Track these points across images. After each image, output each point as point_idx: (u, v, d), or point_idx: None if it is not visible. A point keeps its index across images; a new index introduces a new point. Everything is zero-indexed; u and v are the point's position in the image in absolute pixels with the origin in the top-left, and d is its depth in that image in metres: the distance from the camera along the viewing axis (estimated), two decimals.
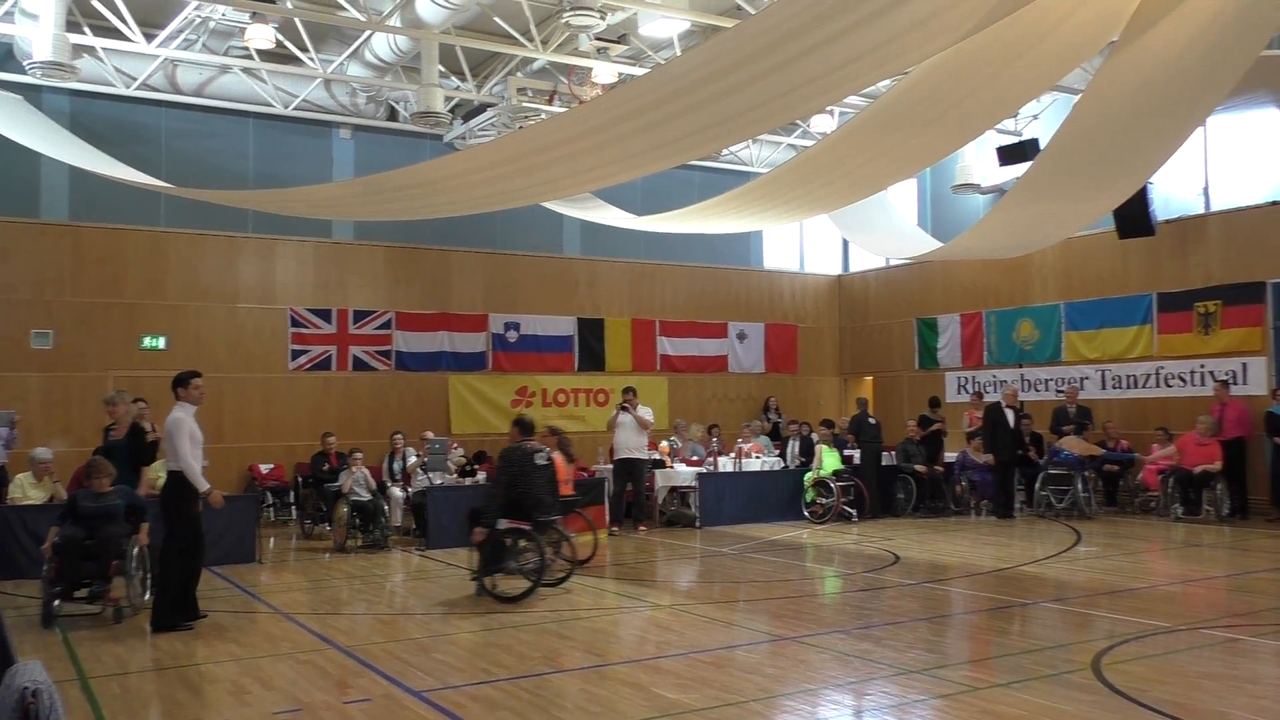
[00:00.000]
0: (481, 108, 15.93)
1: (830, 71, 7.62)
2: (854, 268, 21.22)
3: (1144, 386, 15.73)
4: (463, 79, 15.51)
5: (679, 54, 13.80)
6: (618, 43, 14.22)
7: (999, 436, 14.79)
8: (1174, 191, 15.78)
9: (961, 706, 5.60)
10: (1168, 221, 15.35)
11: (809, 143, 17.12)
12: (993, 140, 17.05)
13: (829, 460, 14.52)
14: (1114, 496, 15.11)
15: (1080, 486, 14.29)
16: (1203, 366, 14.97)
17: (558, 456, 10.59)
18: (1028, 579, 9.73)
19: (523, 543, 8.97)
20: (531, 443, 9.40)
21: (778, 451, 15.96)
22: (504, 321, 17.62)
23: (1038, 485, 14.64)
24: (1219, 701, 5.62)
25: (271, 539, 13.18)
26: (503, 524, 8.83)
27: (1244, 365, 14.55)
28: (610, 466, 14.13)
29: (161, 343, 15.04)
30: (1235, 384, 14.43)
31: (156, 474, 9.80)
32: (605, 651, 7.24)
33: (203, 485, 7.97)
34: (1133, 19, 8.25)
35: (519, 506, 8.91)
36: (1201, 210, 15.59)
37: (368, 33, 13.91)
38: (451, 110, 15.90)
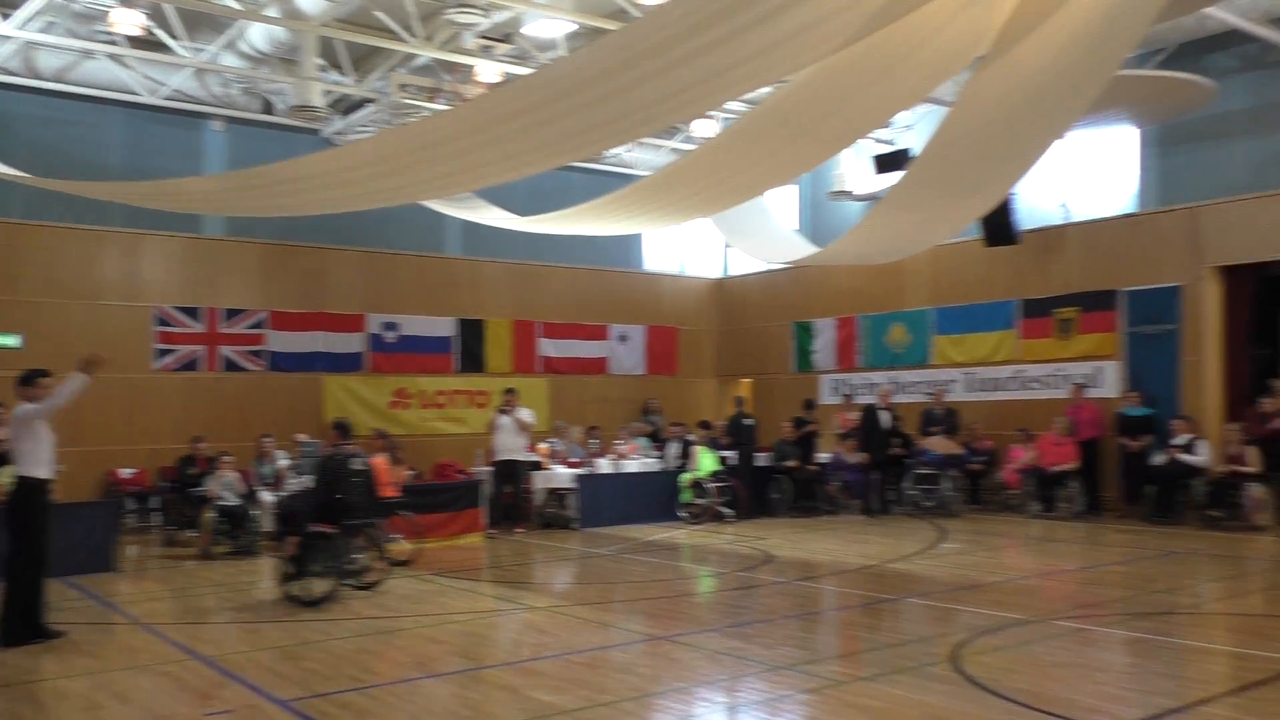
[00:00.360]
0: (362, 103, 15.62)
1: (712, 77, 7.72)
2: (733, 271, 21.54)
3: (1007, 389, 16.40)
4: (343, 73, 15.19)
5: (564, 55, 13.79)
6: (503, 41, 14.13)
7: (873, 437, 15.25)
8: (1037, 203, 16.48)
9: (827, 700, 5.76)
10: (1030, 231, 16.02)
11: (691, 147, 17.30)
12: (867, 149, 17.54)
13: (706, 461, 14.72)
14: (978, 495, 15.69)
15: (946, 486, 14.82)
16: (1061, 370, 15.69)
17: (381, 460, 10.61)
18: (894, 575, 10.04)
19: (331, 546, 8.88)
20: (349, 447, 9.43)
21: (657, 453, 16.09)
22: (382, 321, 17.33)
23: (906, 484, 15.12)
24: (1067, 689, 5.90)
25: (132, 547, 12.66)
26: (312, 528, 8.76)
27: (1099, 369, 15.30)
28: (489, 469, 14.03)
29: (14, 341, 14.31)
30: (1091, 387, 15.16)
31: (6, 479, 9.30)
32: (479, 655, 7.20)
33: (79, 378, 7.40)
34: (999, 35, 8.59)
35: (331, 510, 8.87)
36: (1061, 221, 16.32)
37: (243, 22, 13.51)
38: (331, 105, 15.56)
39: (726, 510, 14.54)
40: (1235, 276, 14.43)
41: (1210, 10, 13.11)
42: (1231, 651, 7.14)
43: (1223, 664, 6.82)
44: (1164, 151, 15.54)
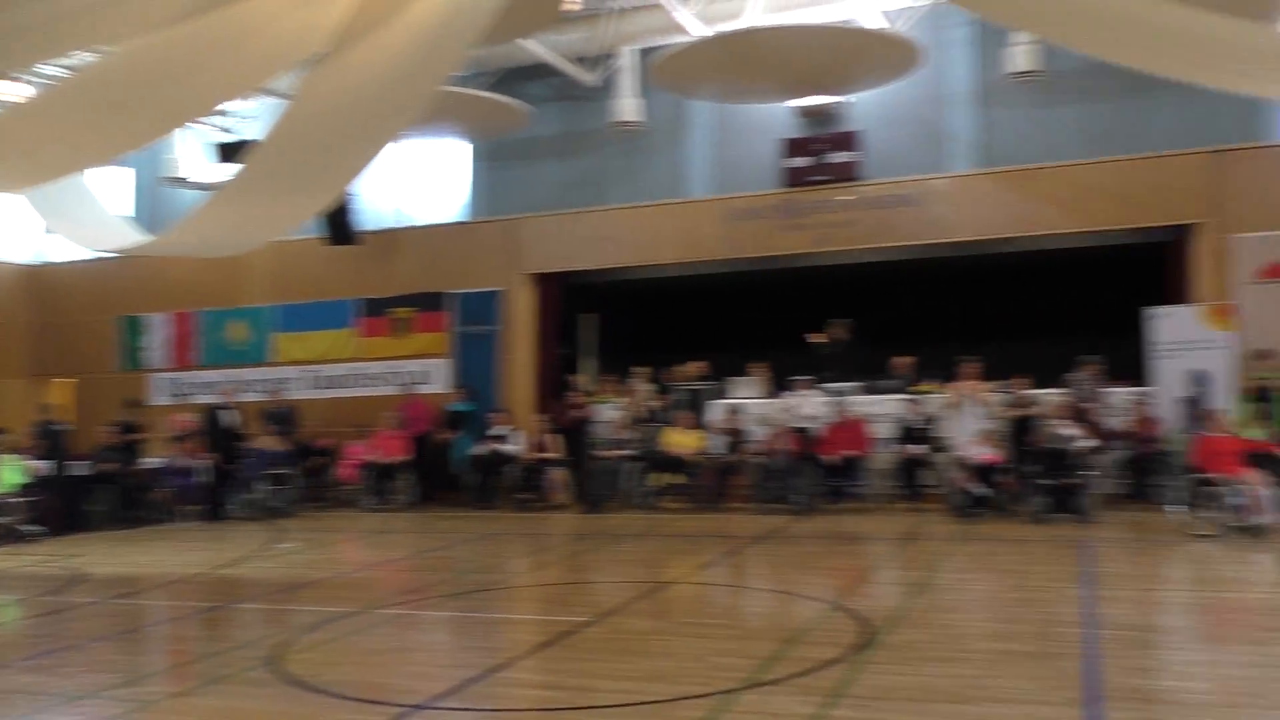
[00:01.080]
0: None
1: (13, 32, 6.81)
2: (52, 258, 19.19)
3: (347, 386, 16.78)
4: None
5: None
6: None
7: (217, 438, 14.62)
8: (378, 206, 17.07)
9: None
10: (371, 233, 16.54)
11: None
12: (207, 136, 16.74)
13: (8, 474, 12.92)
14: (318, 493, 15.77)
15: (284, 485, 14.66)
16: (397, 368, 16.44)
17: None
18: (224, 581, 9.68)
19: None
20: None
21: None
22: None
23: (245, 486, 14.69)
24: (384, 674, 6.16)
25: None
26: None
27: (431, 367, 16.30)
28: None
29: None
30: (423, 384, 16.08)
31: None
32: None
33: None
34: (335, 37, 8.69)
35: None
36: (399, 225, 17.08)
37: None
38: None
39: (33, 528, 12.88)
40: (545, 283, 16.32)
41: (526, 42, 14.68)
42: (531, 619, 8.05)
43: (523, 631, 7.63)
44: (490, 166, 17.05)
